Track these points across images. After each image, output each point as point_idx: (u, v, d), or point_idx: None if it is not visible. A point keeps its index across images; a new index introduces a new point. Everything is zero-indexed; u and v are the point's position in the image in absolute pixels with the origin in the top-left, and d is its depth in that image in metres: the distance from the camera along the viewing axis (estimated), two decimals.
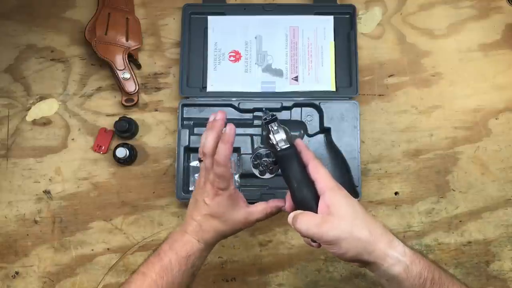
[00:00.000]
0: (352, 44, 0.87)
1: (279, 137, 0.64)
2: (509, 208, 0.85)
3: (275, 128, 0.65)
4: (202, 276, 0.83)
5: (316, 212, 0.58)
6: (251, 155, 0.74)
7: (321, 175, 0.59)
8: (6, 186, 0.87)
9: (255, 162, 0.69)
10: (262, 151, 0.69)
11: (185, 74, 0.86)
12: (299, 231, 0.58)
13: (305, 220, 0.57)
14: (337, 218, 0.56)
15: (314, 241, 0.60)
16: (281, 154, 0.63)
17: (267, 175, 0.69)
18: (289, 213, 0.62)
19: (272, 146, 0.65)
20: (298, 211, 0.60)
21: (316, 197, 0.60)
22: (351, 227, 0.55)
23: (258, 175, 0.69)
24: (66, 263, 0.85)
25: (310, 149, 0.64)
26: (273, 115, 0.66)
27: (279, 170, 0.67)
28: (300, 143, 0.64)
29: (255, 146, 0.85)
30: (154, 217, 0.86)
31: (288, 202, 0.63)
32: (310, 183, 0.61)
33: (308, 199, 0.60)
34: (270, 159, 0.68)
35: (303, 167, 0.62)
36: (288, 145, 0.64)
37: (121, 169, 0.87)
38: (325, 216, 0.56)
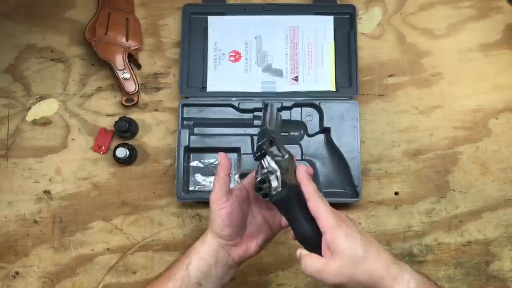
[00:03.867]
0: (352, 44, 0.87)
1: (274, 181, 0.58)
2: (509, 208, 0.85)
3: (266, 169, 0.58)
4: None
5: (320, 249, 0.57)
6: (256, 176, 0.62)
7: (322, 213, 0.57)
8: (6, 186, 0.87)
9: (259, 185, 0.61)
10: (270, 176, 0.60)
11: (185, 74, 0.86)
12: (306, 273, 0.57)
13: (308, 264, 0.57)
14: (338, 262, 0.54)
15: None
16: (276, 199, 0.58)
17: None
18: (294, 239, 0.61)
19: (264, 189, 0.59)
20: (304, 252, 0.59)
21: (319, 234, 0.57)
22: (351, 271, 0.54)
23: (261, 197, 0.61)
24: (66, 263, 0.85)
25: (311, 181, 0.60)
26: (261, 150, 0.59)
27: None
28: (301, 174, 0.60)
29: (255, 147, 0.84)
30: (154, 217, 0.86)
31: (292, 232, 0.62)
32: (312, 220, 0.58)
33: (310, 238, 0.58)
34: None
35: (303, 202, 0.58)
36: (281, 189, 0.57)
37: (121, 169, 0.87)
38: (327, 260, 0.55)
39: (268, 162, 0.59)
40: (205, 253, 0.63)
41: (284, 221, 0.65)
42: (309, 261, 0.57)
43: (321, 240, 0.57)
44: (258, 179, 0.60)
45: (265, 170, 0.59)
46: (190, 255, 0.64)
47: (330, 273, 0.55)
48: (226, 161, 0.64)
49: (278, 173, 0.59)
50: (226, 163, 0.64)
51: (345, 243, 0.55)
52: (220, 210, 0.62)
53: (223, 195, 0.62)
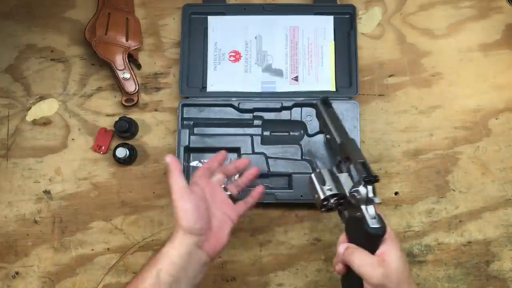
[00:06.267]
0: (352, 44, 0.87)
1: (371, 211, 0.57)
2: (509, 208, 0.85)
3: (364, 197, 0.57)
4: None
5: (370, 252, 0.59)
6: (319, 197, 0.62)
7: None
8: (6, 186, 0.87)
9: (324, 203, 0.62)
10: (330, 196, 0.60)
11: (185, 74, 0.86)
12: (351, 263, 0.58)
13: (361, 257, 0.58)
14: (390, 268, 0.57)
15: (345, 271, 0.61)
16: (375, 233, 0.57)
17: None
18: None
19: (357, 219, 0.58)
20: (354, 245, 0.60)
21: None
22: (397, 280, 0.57)
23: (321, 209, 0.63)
24: (66, 263, 0.85)
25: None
26: (375, 176, 0.57)
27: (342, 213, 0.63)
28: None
29: (255, 147, 0.84)
30: (154, 217, 0.86)
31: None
32: None
33: (378, 236, 0.59)
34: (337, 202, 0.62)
35: None
36: (381, 226, 0.57)
37: (121, 169, 0.87)
38: (380, 260, 0.57)
39: (373, 191, 0.58)
40: (177, 256, 0.62)
41: (242, 210, 0.69)
42: (363, 255, 0.58)
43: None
44: (364, 202, 0.58)
45: (361, 197, 0.58)
46: (160, 260, 0.62)
47: (383, 272, 0.56)
48: (175, 160, 0.66)
49: (373, 206, 0.58)
50: (176, 162, 0.66)
51: (399, 256, 0.58)
52: (186, 203, 0.63)
53: (184, 190, 0.64)
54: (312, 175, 0.62)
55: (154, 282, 0.61)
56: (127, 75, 0.87)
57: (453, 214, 0.85)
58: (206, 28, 0.89)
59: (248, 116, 0.86)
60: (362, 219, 0.57)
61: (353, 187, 0.59)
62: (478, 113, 0.88)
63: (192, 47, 0.88)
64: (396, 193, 0.86)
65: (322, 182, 0.61)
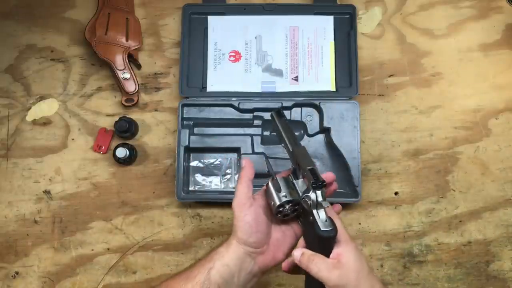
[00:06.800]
0: (352, 44, 0.87)
1: (321, 215, 0.59)
2: (509, 208, 0.85)
3: (313, 201, 0.59)
4: None
5: (325, 255, 0.59)
6: (274, 206, 0.63)
7: (339, 226, 0.60)
8: (6, 186, 0.87)
9: (280, 209, 0.63)
10: (285, 203, 0.62)
11: (185, 74, 0.86)
12: (310, 271, 0.59)
13: (318, 262, 0.58)
14: (346, 268, 0.57)
15: (294, 269, 0.62)
16: (327, 236, 0.58)
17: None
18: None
19: (311, 224, 0.59)
20: (310, 252, 0.60)
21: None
22: (356, 279, 0.57)
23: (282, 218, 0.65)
24: (66, 263, 0.85)
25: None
26: (323, 181, 0.58)
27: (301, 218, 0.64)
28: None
29: (255, 147, 0.84)
30: (154, 217, 0.86)
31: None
32: None
33: (329, 238, 0.60)
34: (292, 208, 0.63)
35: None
36: (332, 228, 0.58)
37: (121, 169, 0.87)
38: (336, 263, 0.58)
39: (322, 195, 0.59)
40: (229, 260, 0.62)
41: None
42: (320, 260, 0.58)
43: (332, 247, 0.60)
44: (308, 206, 0.59)
45: (311, 202, 0.59)
46: (213, 259, 0.62)
47: (340, 273, 0.57)
48: (249, 166, 0.64)
49: (323, 210, 0.59)
50: (250, 168, 0.64)
51: (356, 256, 0.58)
52: (245, 216, 0.62)
53: (246, 200, 0.62)
54: (269, 183, 0.63)
55: (205, 279, 0.61)
56: (127, 75, 0.87)
57: (453, 214, 0.85)
58: (206, 28, 0.89)
59: (248, 116, 0.86)
60: (314, 223, 0.59)
61: (304, 193, 0.61)
62: (478, 113, 0.88)
63: (192, 47, 0.88)
64: (396, 193, 0.86)
65: (278, 189, 0.62)
